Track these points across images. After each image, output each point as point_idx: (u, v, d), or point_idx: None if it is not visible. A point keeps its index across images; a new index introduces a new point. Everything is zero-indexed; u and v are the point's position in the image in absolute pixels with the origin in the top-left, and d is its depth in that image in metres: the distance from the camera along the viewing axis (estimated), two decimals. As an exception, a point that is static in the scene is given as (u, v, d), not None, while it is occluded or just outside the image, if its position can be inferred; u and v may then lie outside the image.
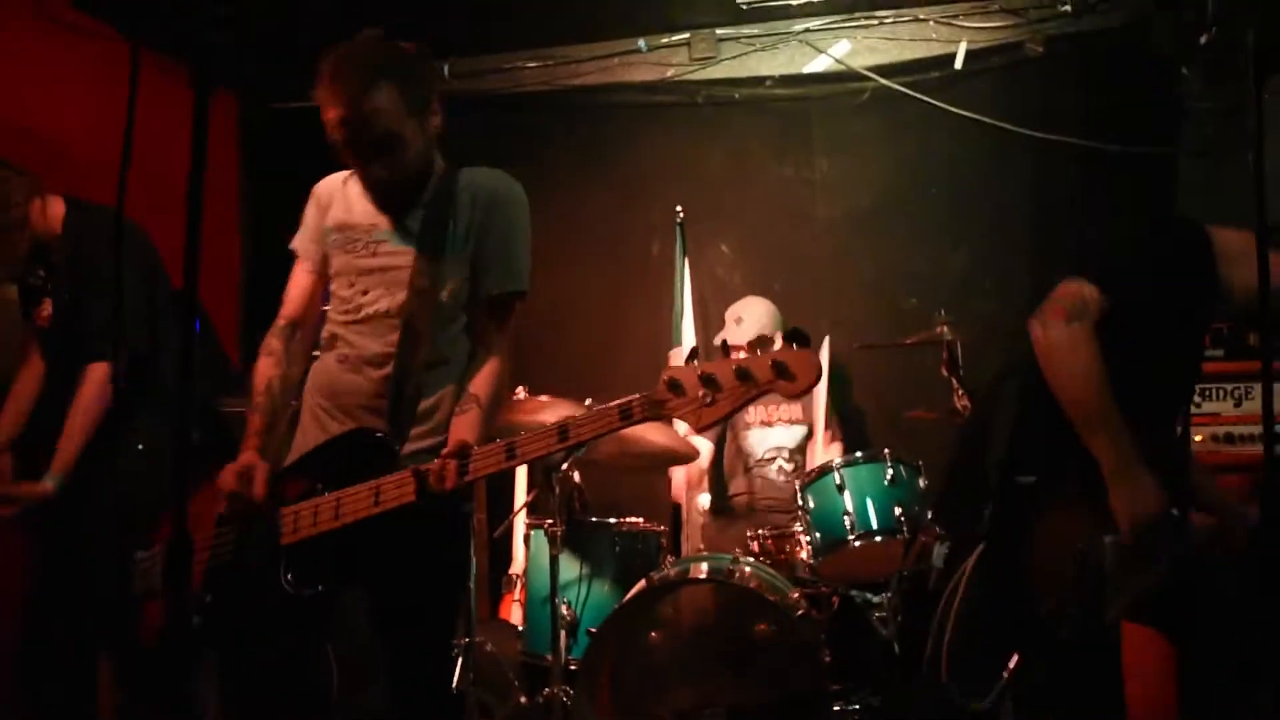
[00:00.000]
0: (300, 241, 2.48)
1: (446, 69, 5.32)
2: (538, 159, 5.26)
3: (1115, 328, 2.20)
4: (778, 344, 1.83)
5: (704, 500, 4.29)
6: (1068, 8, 4.57)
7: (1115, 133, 4.41)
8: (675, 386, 1.86)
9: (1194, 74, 4.08)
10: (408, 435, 2.27)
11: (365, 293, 2.33)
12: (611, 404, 1.95)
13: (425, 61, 2.34)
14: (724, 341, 1.92)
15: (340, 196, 2.43)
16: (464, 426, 2.21)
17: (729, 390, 1.83)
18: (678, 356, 4.48)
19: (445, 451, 2.08)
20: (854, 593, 3.48)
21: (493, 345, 2.34)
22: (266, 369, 2.37)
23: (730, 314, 4.46)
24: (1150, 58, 4.33)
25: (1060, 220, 4.59)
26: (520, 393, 3.82)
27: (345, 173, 2.43)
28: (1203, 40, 3.84)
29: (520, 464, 2.22)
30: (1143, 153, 4.35)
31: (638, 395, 1.91)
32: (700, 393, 1.84)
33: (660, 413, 1.91)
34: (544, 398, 3.74)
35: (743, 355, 1.84)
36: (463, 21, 4.99)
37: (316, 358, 2.44)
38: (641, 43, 5.13)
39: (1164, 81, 4.28)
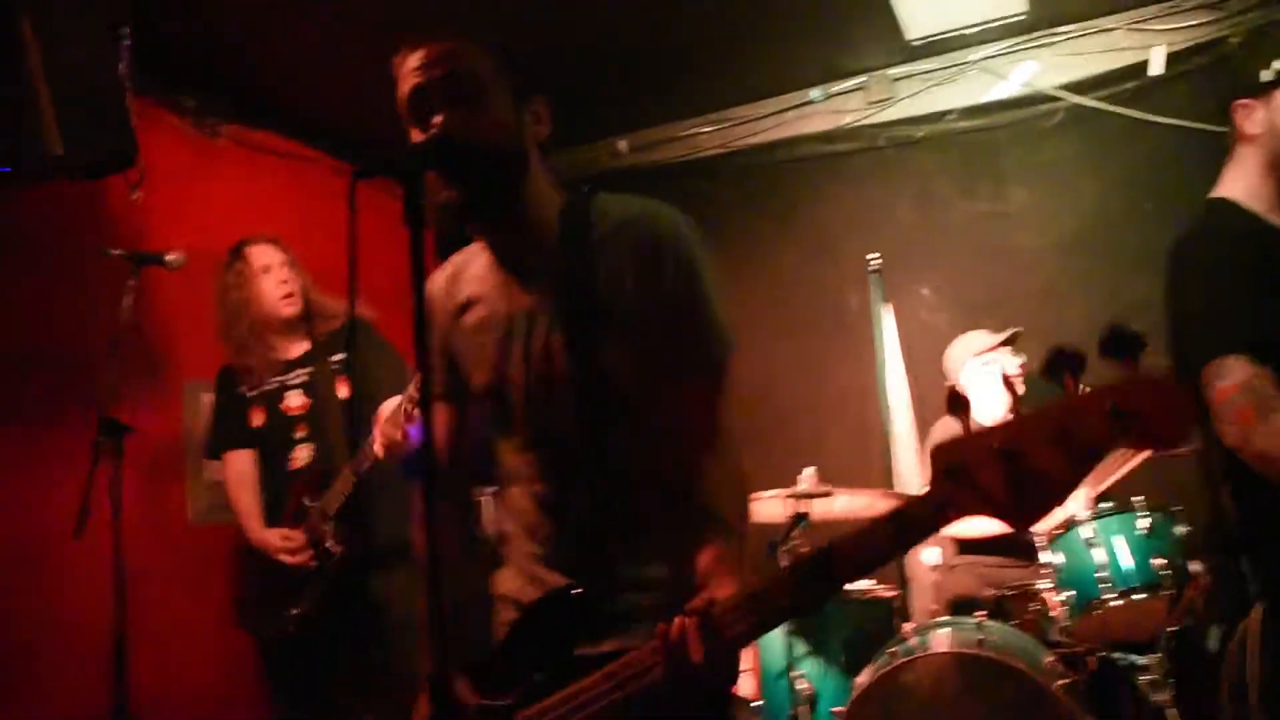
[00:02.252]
0: (436, 377, 1.93)
1: (624, 145, 5.41)
2: (722, 224, 5.26)
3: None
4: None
5: (930, 556, 4.10)
6: (1265, -4, 4.25)
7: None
8: (956, 472, 1.26)
9: None
10: (615, 581, 1.71)
11: (514, 407, 1.81)
12: (880, 528, 1.36)
13: (524, 58, 1.82)
14: (1056, 364, 1.25)
15: (444, 293, 1.93)
16: (713, 564, 1.62)
17: (1051, 467, 1.18)
18: (944, 427, 4.01)
19: (691, 605, 1.50)
20: (1115, 655, 3.23)
21: (715, 429, 1.72)
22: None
23: (951, 358, 4.23)
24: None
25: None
26: (806, 480, 3.59)
27: (457, 258, 1.95)
28: None
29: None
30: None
31: (906, 509, 1.35)
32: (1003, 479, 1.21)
33: (951, 519, 1.30)
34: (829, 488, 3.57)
35: (1084, 393, 1.20)
36: (635, 97, 5.06)
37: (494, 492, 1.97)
38: (815, 93, 5.07)
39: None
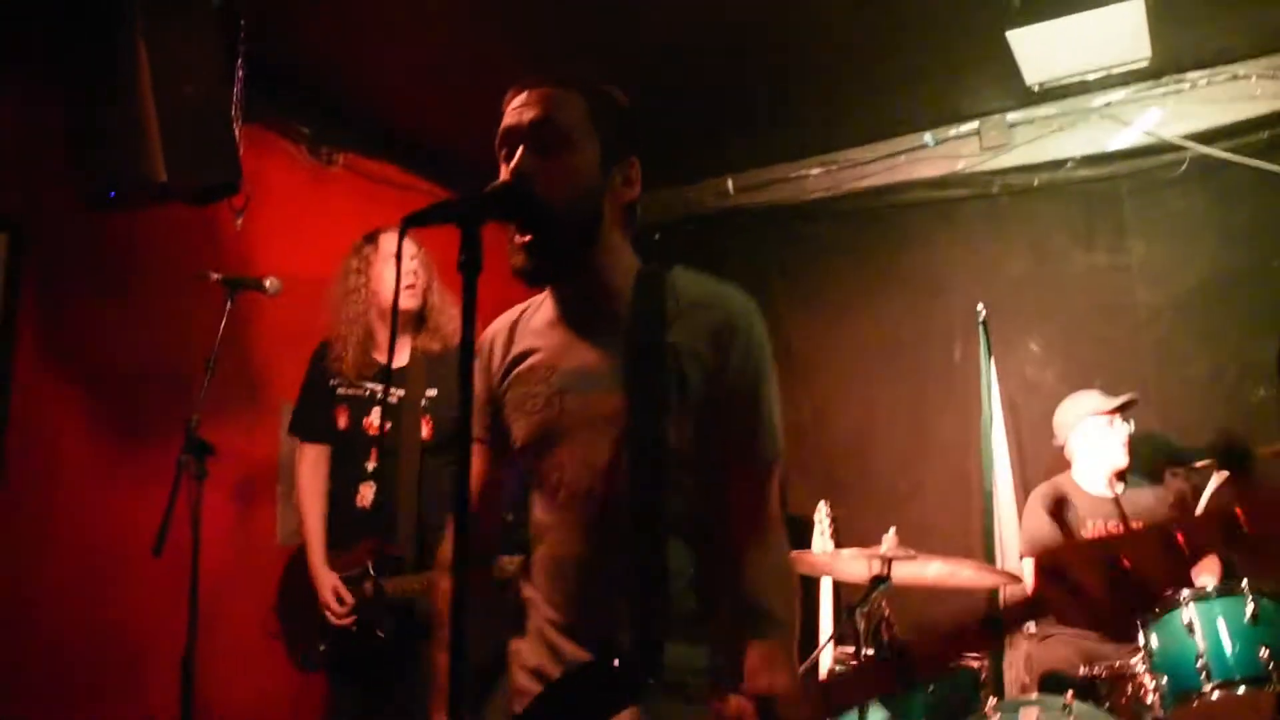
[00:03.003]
0: (476, 421, 1.85)
1: (731, 185, 5.37)
2: (828, 268, 5.19)
3: None
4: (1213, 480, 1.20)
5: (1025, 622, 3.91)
6: None
7: None
8: (1058, 576, 1.17)
9: None
10: (652, 662, 1.60)
11: (561, 467, 1.74)
12: (967, 622, 1.28)
13: (630, 113, 1.81)
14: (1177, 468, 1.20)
15: (504, 341, 1.88)
16: (764, 660, 1.57)
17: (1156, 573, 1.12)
18: (1042, 494, 3.93)
19: (751, 687, 1.47)
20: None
21: (766, 521, 1.72)
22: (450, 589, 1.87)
23: (1063, 416, 4.05)
24: None
25: None
26: (887, 541, 3.37)
27: (518, 308, 1.91)
28: None
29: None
30: None
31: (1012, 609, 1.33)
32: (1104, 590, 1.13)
33: (1043, 615, 1.24)
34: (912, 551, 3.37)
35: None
36: (743, 135, 5.02)
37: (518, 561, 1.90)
38: (928, 137, 4.96)
39: None
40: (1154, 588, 1.13)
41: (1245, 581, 2.97)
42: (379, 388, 3.48)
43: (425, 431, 3.43)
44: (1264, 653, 2.86)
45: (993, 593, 3.77)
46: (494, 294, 1.79)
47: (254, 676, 3.77)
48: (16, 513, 3.32)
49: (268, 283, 3.49)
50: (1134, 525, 1.12)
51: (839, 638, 3.84)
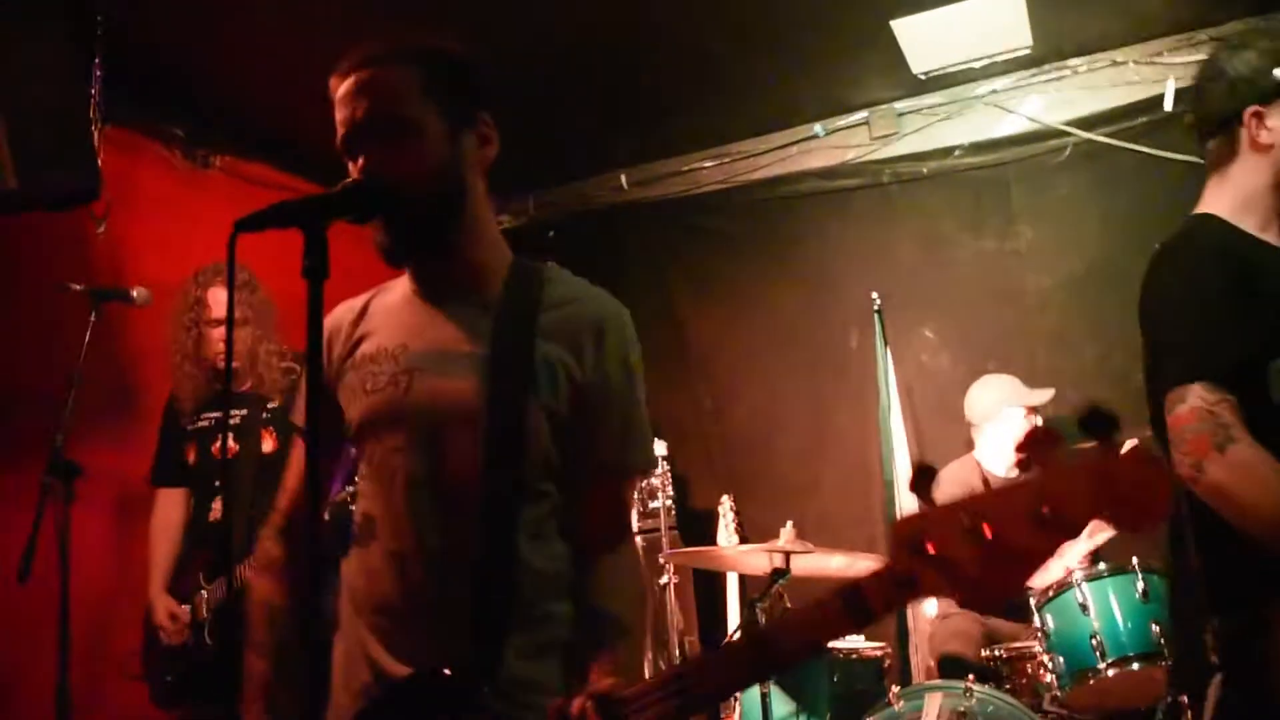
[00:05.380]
0: (297, 408, 1.75)
1: (624, 179, 5.32)
2: (724, 260, 5.17)
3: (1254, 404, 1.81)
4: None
5: (930, 607, 3.93)
6: (1282, 29, 4.07)
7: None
8: (919, 549, 1.12)
9: None
10: (494, 673, 1.50)
11: (398, 450, 1.60)
12: (828, 605, 1.20)
13: (470, 65, 1.70)
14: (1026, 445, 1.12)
15: (350, 323, 1.74)
16: (612, 666, 1.51)
17: (1027, 544, 1.07)
18: (951, 476, 3.91)
19: (593, 687, 1.37)
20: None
21: (623, 529, 1.70)
22: (266, 591, 1.73)
23: (981, 403, 4.06)
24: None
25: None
26: (785, 535, 3.35)
27: (370, 292, 1.79)
28: None
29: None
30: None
31: (862, 584, 1.18)
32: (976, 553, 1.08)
33: (913, 596, 1.17)
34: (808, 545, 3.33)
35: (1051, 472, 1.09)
36: (635, 130, 4.97)
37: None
38: (818, 127, 4.96)
39: None
40: (1021, 559, 1.09)
41: (1135, 559, 3.01)
42: (217, 415, 3.49)
43: (269, 444, 3.44)
44: (1155, 629, 2.90)
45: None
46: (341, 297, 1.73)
47: (140, 707, 3.59)
48: None
49: (135, 293, 3.35)
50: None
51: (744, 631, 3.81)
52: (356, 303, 1.77)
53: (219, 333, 3.46)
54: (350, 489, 1.95)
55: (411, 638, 1.54)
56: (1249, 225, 2.05)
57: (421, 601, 1.55)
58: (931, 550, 1.12)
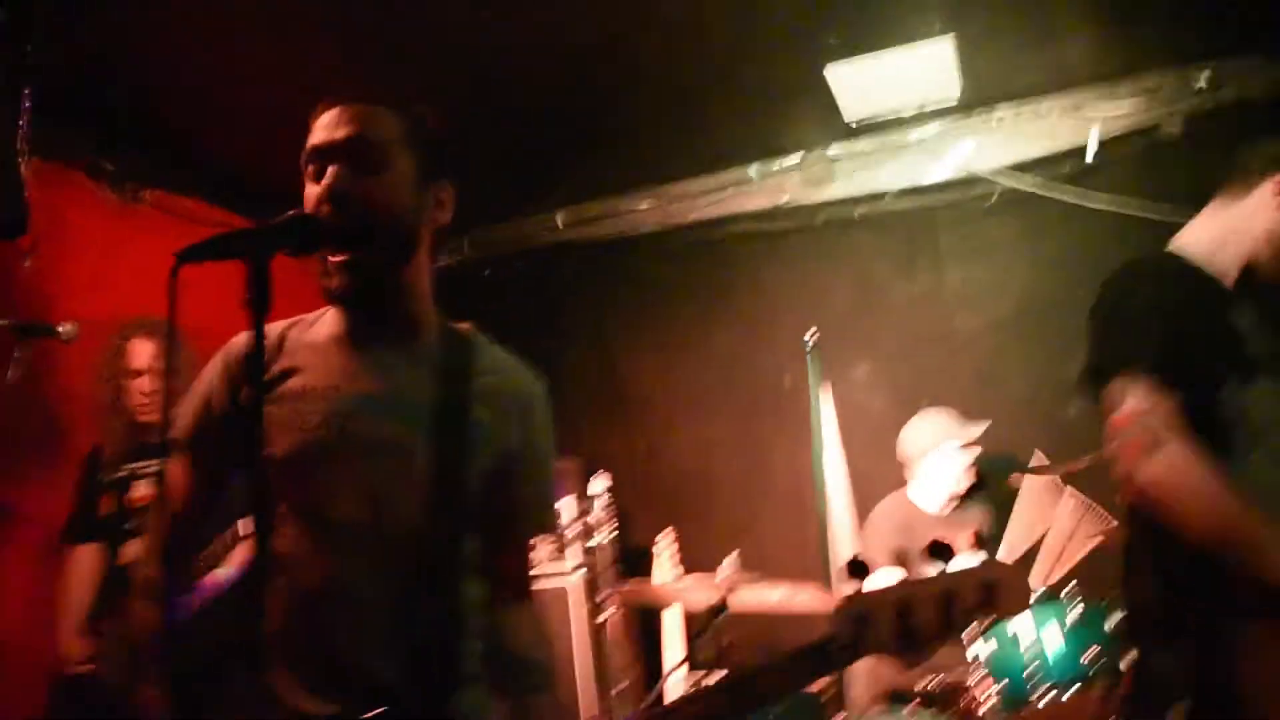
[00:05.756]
0: (180, 420, 1.76)
1: (559, 219, 5.34)
2: (661, 301, 5.22)
3: (1196, 410, 1.90)
4: (973, 559, 1.52)
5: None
6: (1202, 84, 4.25)
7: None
8: (860, 621, 1.47)
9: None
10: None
11: (329, 494, 1.60)
12: (799, 658, 1.52)
13: (444, 135, 1.75)
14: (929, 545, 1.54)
15: (277, 351, 1.71)
16: (553, 711, 1.73)
17: (930, 629, 1.46)
18: (884, 513, 4.08)
19: None
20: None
21: (529, 586, 1.82)
22: (142, 614, 1.69)
23: (918, 438, 4.12)
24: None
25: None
26: (728, 566, 3.51)
27: (283, 323, 1.75)
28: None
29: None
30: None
31: (813, 650, 1.50)
32: (897, 630, 1.46)
33: (854, 658, 1.50)
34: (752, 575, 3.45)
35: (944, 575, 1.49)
36: (572, 169, 5.00)
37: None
38: (753, 170, 5.03)
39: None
40: (925, 638, 1.46)
41: (1065, 590, 3.07)
42: (139, 465, 3.43)
43: None
44: (1089, 655, 2.95)
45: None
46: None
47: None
48: None
49: (62, 329, 3.27)
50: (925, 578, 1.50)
51: (691, 665, 3.79)
52: (270, 332, 1.71)
53: (138, 384, 3.44)
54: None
55: (330, 676, 1.55)
56: (1218, 260, 2.14)
57: (351, 644, 1.56)
58: (867, 621, 1.47)
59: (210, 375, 1.74)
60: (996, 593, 1.48)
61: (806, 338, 4.62)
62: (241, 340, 1.73)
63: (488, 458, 1.65)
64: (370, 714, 1.49)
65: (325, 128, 1.63)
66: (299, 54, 3.80)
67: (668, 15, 3.76)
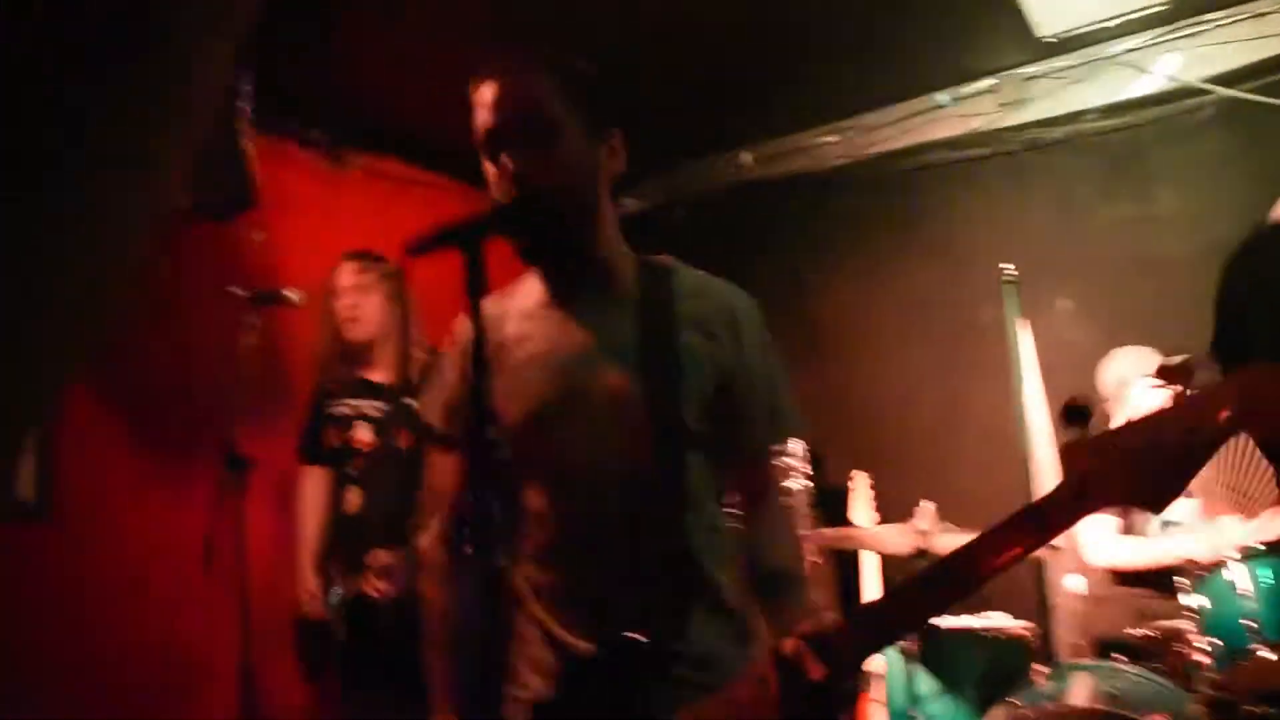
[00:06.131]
0: (430, 412, 1.87)
1: (748, 157, 5.33)
2: (852, 236, 5.16)
3: None
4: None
5: (1076, 583, 3.88)
6: None
7: None
8: (1087, 465, 1.34)
9: None
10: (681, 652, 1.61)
11: (563, 446, 1.70)
12: (1011, 522, 1.36)
13: (600, 81, 1.78)
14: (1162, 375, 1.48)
15: (496, 328, 1.78)
16: (804, 611, 1.67)
17: (1177, 453, 1.30)
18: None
19: (801, 628, 1.46)
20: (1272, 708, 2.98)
21: (775, 493, 1.85)
22: (438, 595, 1.83)
23: (1114, 375, 3.96)
24: None
25: None
26: (925, 515, 3.48)
27: (493, 298, 1.79)
28: None
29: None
30: None
31: (1041, 503, 1.36)
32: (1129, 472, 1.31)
33: (1088, 508, 1.34)
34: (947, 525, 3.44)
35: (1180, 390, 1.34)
36: (755, 108, 4.97)
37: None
38: (942, 96, 4.87)
39: None
40: (1176, 463, 1.30)
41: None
42: (363, 404, 3.63)
43: (405, 441, 3.54)
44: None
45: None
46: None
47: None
48: (67, 538, 3.39)
49: (289, 294, 3.53)
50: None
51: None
52: (485, 310, 1.74)
53: (341, 303, 3.65)
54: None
55: (594, 617, 1.64)
56: None
57: (602, 582, 1.66)
58: (1097, 465, 1.33)
59: (446, 365, 1.88)
60: (1243, 409, 1.27)
61: (1005, 268, 4.50)
62: (464, 325, 1.83)
63: (706, 379, 1.70)
64: (629, 636, 1.59)
65: (489, 108, 1.69)
66: (471, 17, 3.90)
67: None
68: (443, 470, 1.86)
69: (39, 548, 3.38)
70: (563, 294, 1.78)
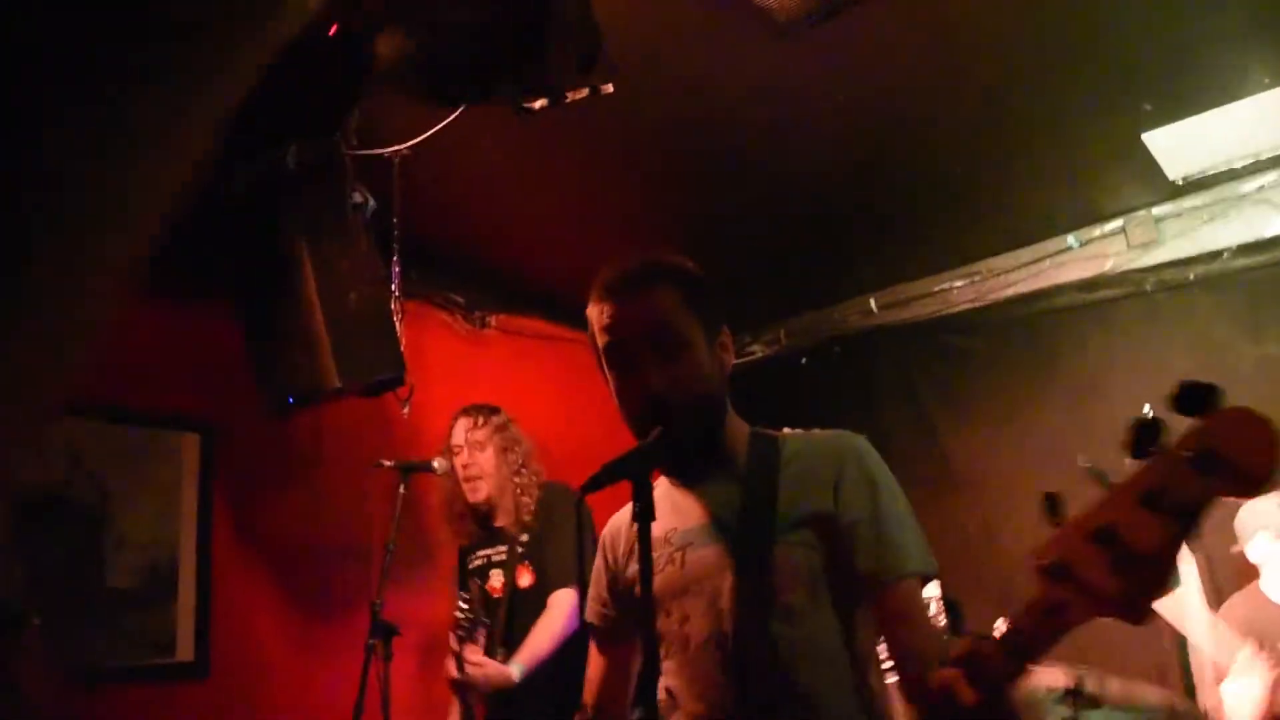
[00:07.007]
0: (589, 609, 1.99)
1: (873, 303, 5.38)
2: (980, 379, 5.12)
3: None
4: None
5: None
6: None
7: None
8: (1055, 573, 1.18)
9: None
10: None
11: (685, 619, 1.75)
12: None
13: (711, 283, 1.83)
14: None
15: (627, 525, 1.94)
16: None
17: (1150, 537, 1.09)
18: (1244, 599, 3.83)
19: (952, 655, 1.32)
20: None
21: (920, 620, 1.71)
22: None
23: (1244, 525, 3.80)
24: None
25: None
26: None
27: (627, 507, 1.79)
28: None
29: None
30: None
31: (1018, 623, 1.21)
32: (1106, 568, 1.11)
33: (1065, 623, 1.18)
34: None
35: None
36: (882, 254, 5.05)
37: None
38: (1071, 239, 4.86)
39: None
40: (1151, 556, 1.09)
41: None
42: (490, 552, 3.78)
43: (526, 579, 3.65)
44: None
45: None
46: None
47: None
48: (222, 696, 3.55)
49: (436, 464, 3.69)
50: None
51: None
52: (627, 509, 1.81)
53: (459, 460, 3.78)
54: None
55: None
56: None
57: None
58: (1068, 570, 1.15)
59: (599, 564, 2.00)
60: (1219, 457, 1.07)
61: (1145, 409, 4.39)
62: (610, 526, 2.01)
63: (810, 532, 1.69)
64: None
65: (613, 326, 1.74)
66: (606, 187, 4.12)
67: (969, 93, 3.73)
68: (593, 660, 1.99)
69: (196, 706, 3.54)
70: (687, 477, 1.86)
